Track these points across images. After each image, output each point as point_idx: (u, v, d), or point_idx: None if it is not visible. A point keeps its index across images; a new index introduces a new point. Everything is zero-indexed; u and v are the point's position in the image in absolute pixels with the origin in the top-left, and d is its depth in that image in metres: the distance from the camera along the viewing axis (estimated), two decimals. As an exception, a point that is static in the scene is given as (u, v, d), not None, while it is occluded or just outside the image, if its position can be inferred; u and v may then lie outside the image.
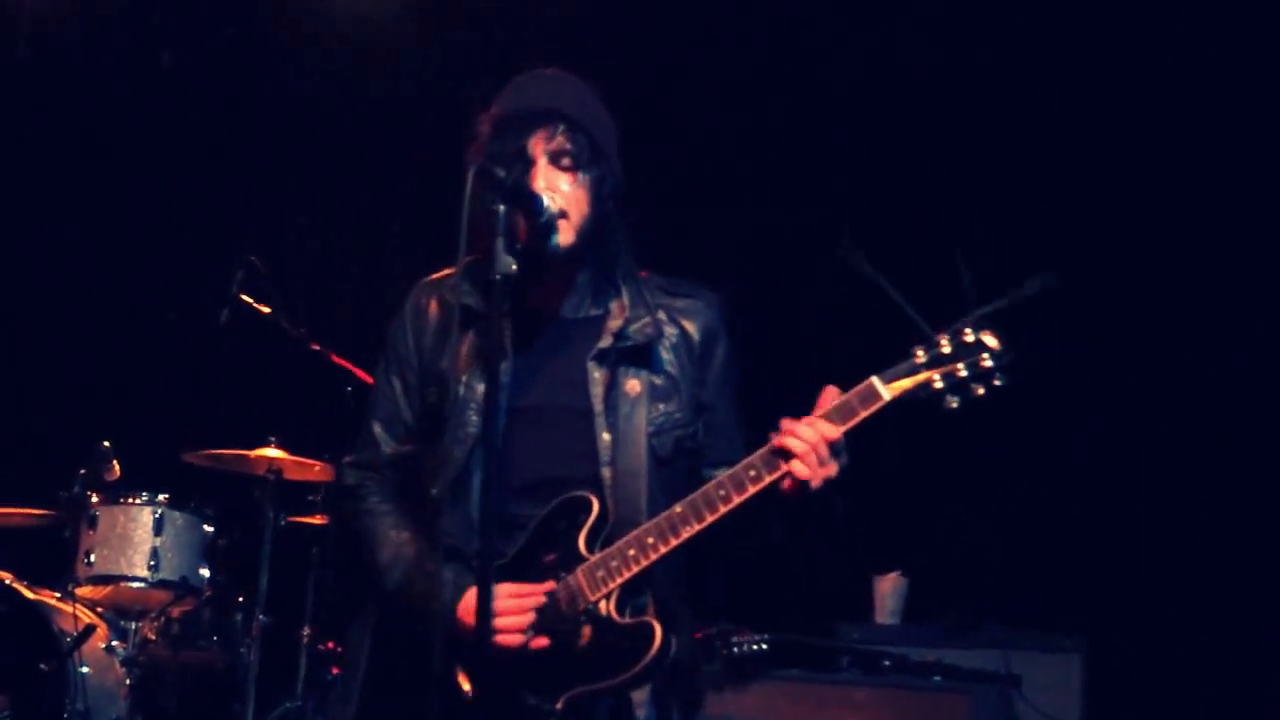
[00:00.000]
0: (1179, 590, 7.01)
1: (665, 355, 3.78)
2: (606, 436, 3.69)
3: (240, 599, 7.34)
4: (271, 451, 7.17)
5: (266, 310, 7.02)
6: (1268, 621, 6.87)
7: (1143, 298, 7.24)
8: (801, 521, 3.60)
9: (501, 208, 3.49)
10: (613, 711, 3.62)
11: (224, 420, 7.76)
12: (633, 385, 3.74)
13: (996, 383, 3.42)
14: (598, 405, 3.70)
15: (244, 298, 6.95)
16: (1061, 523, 7.27)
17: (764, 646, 6.06)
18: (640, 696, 3.63)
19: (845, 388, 3.47)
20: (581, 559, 3.58)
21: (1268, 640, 6.87)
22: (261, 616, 7.00)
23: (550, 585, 3.57)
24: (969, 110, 7.58)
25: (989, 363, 3.41)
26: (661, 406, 3.74)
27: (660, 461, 3.71)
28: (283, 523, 7.18)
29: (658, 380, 3.76)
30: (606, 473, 3.67)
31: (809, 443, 3.41)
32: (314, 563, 7.32)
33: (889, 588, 6.95)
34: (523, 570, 3.60)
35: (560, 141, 3.66)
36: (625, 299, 3.81)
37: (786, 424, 3.45)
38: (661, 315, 3.81)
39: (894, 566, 7.00)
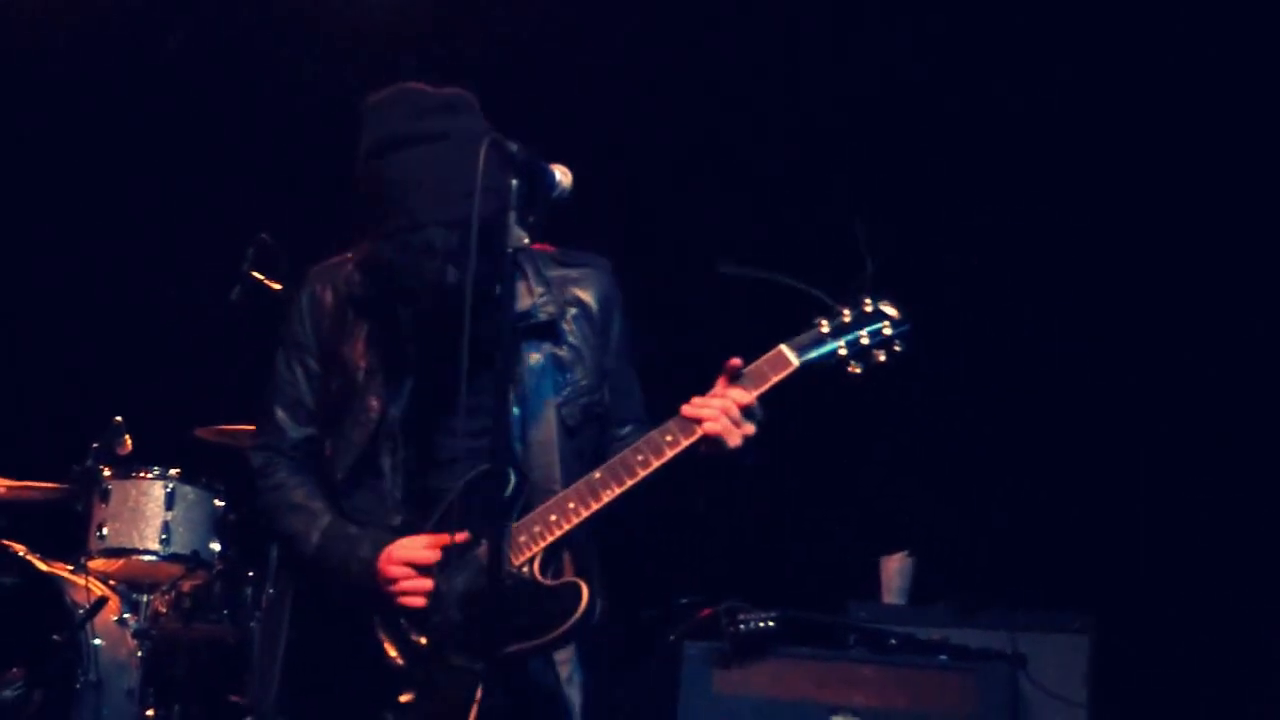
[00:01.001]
0: (1188, 571, 7.01)
1: (567, 327, 3.88)
2: (516, 410, 3.77)
3: (250, 573, 7.38)
4: (283, 427, 7.18)
5: (278, 287, 7.03)
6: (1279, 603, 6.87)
7: (1154, 275, 7.23)
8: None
9: (515, 181, 3.53)
10: (539, 673, 3.74)
11: (235, 396, 7.75)
12: (535, 358, 3.83)
13: (897, 348, 3.65)
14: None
15: (255, 274, 6.97)
16: (1069, 502, 7.27)
17: (771, 624, 6.07)
18: (565, 656, 3.78)
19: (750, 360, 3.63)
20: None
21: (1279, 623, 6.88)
22: (271, 590, 7.02)
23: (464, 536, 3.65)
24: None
25: (889, 330, 3.64)
26: (567, 376, 3.85)
27: (570, 430, 3.82)
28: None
29: (561, 352, 3.86)
30: (519, 445, 3.76)
31: (719, 406, 3.58)
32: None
33: (896, 567, 6.96)
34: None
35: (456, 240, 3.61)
36: (530, 279, 3.88)
37: (694, 401, 3.62)
38: (559, 288, 3.90)
39: (901, 547, 7.01)
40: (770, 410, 3.67)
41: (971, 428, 7.49)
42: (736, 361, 3.62)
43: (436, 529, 3.69)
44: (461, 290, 3.47)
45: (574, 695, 3.82)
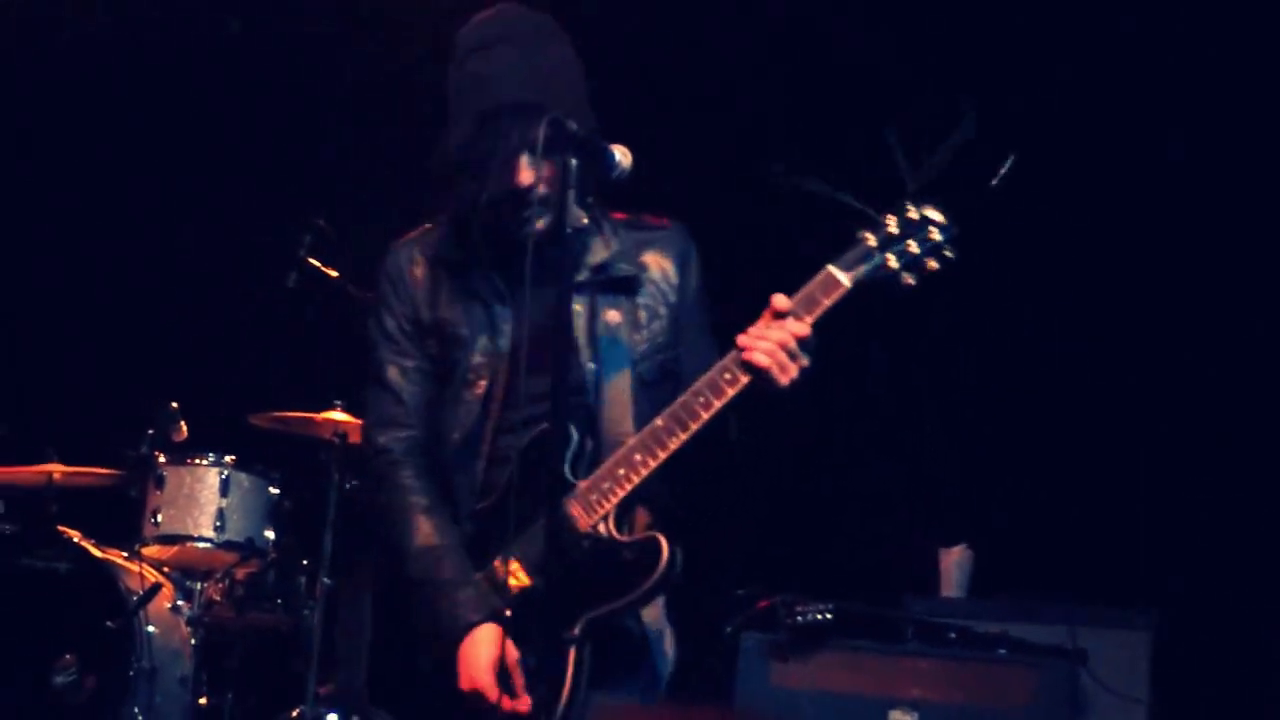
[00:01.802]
0: (1252, 566, 6.93)
1: (643, 284, 3.86)
2: (591, 365, 3.75)
3: (304, 561, 7.36)
4: (337, 415, 7.19)
5: (334, 273, 7.04)
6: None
7: (1228, 268, 7.16)
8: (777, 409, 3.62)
9: (574, 161, 3.52)
10: (630, 631, 3.70)
11: (290, 383, 7.77)
12: (612, 315, 3.81)
13: (948, 254, 3.54)
14: (581, 337, 3.75)
15: (311, 261, 6.97)
16: (1132, 496, 7.20)
17: (828, 616, 6.04)
18: (655, 612, 3.75)
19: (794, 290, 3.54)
20: (570, 487, 3.61)
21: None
22: (325, 579, 7.02)
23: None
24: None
25: (938, 236, 3.53)
26: (643, 333, 3.82)
27: (645, 385, 3.78)
28: (348, 486, 7.20)
29: (638, 308, 3.83)
30: (594, 399, 3.74)
31: (775, 341, 3.49)
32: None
33: (955, 560, 6.90)
34: (508, 512, 3.60)
35: (533, 134, 3.58)
36: (605, 237, 3.87)
37: (751, 331, 3.54)
38: (637, 249, 3.88)
39: (960, 539, 6.96)
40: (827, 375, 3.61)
41: (1034, 419, 7.42)
42: (781, 302, 3.52)
43: (499, 501, 3.66)
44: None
45: (667, 649, 3.80)
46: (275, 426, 7.40)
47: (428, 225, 3.99)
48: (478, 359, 3.78)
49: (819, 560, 7.54)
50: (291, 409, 7.27)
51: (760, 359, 3.48)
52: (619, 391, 3.75)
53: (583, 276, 3.80)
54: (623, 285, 3.84)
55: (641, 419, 3.67)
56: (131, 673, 6.86)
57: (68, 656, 6.86)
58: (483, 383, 3.76)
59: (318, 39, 8.61)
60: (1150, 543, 7.10)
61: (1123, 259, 7.29)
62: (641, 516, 3.67)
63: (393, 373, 3.88)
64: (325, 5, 8.55)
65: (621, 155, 3.60)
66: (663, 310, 3.85)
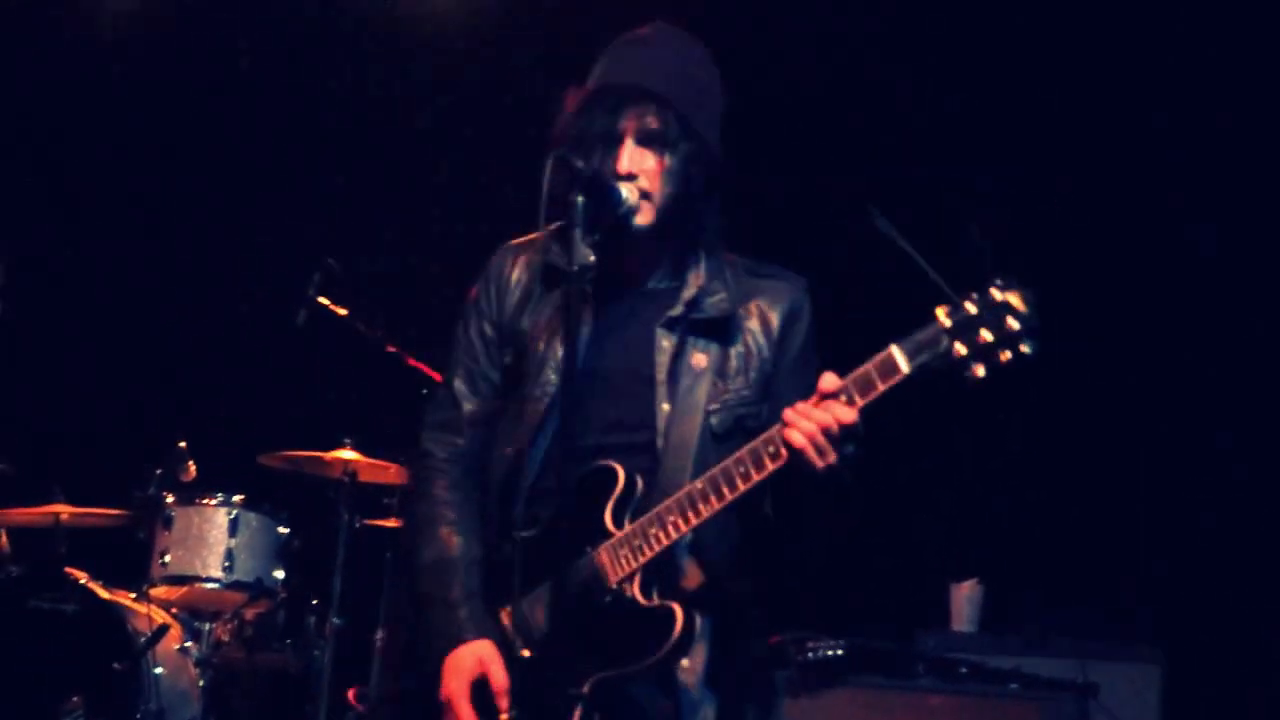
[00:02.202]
0: (1260, 602, 6.93)
1: (740, 331, 3.70)
2: (666, 406, 3.62)
3: (314, 601, 7.35)
4: (347, 454, 7.18)
5: (343, 312, 7.04)
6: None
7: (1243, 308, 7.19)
8: (814, 493, 3.43)
9: (580, 199, 3.45)
10: (647, 699, 3.53)
11: (300, 422, 7.78)
12: (699, 359, 3.66)
13: (1024, 349, 3.16)
14: (660, 374, 3.63)
15: (321, 300, 6.97)
16: (1143, 531, 7.20)
17: (840, 652, 6.03)
18: (691, 680, 3.54)
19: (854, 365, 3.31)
20: (607, 534, 3.50)
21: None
22: (335, 619, 7.01)
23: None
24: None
25: (1016, 325, 3.15)
26: (728, 383, 3.66)
27: (716, 437, 3.61)
28: (357, 525, 7.20)
29: (728, 355, 3.67)
30: (660, 442, 3.59)
31: (818, 423, 3.28)
32: (388, 566, 7.32)
33: (966, 595, 6.89)
34: (547, 544, 3.50)
35: (648, 121, 3.58)
36: (703, 272, 3.73)
37: (799, 406, 3.32)
38: (742, 293, 3.72)
39: (971, 574, 6.95)
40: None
41: (1044, 454, 7.42)
42: (829, 383, 3.31)
43: (543, 533, 3.54)
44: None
45: None
46: (284, 466, 7.40)
47: (540, 232, 3.81)
48: (548, 375, 3.66)
49: (830, 596, 7.53)
50: (301, 448, 7.28)
51: (797, 438, 3.29)
52: (686, 438, 3.58)
53: (676, 311, 3.67)
54: (716, 327, 3.68)
55: (702, 470, 3.48)
56: (139, 715, 6.81)
57: (75, 699, 6.81)
58: (546, 400, 3.65)
59: (328, 80, 8.65)
60: (1159, 577, 7.09)
61: (1124, 304, 7.32)
62: (677, 578, 3.53)
63: (460, 379, 3.81)
64: (340, 47, 8.61)
65: (629, 193, 3.57)
66: (754, 363, 3.68)
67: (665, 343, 3.65)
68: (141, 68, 8.74)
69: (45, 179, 8.82)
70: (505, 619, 3.60)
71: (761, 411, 3.66)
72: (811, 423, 3.29)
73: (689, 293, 3.70)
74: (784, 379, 3.68)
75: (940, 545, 7.53)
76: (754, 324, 3.71)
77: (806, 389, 3.41)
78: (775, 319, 3.72)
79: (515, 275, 3.82)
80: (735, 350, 3.68)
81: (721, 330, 3.69)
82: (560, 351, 3.54)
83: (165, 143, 8.78)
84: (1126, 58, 7.38)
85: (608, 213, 3.55)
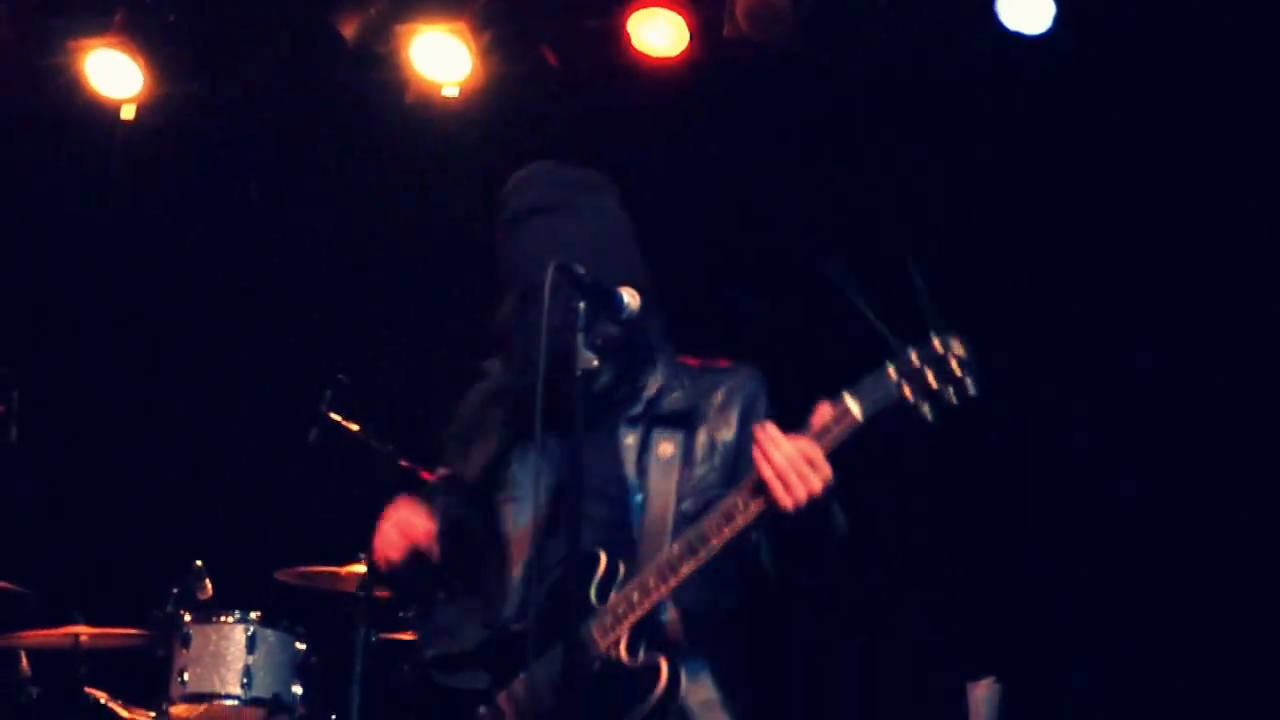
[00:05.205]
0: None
1: (701, 421, 3.89)
2: (638, 498, 3.81)
3: (333, 716, 7.33)
4: (363, 568, 7.20)
5: (355, 428, 7.08)
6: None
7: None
8: (800, 544, 3.66)
9: (582, 305, 3.58)
10: None
11: (315, 538, 7.80)
12: (665, 449, 3.86)
13: (969, 389, 3.46)
14: (630, 470, 3.84)
15: (333, 416, 7.02)
16: (1157, 632, 7.16)
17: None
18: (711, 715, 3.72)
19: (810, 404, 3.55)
20: (592, 610, 3.67)
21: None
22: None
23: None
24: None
25: (958, 370, 3.45)
26: (694, 469, 3.86)
27: (688, 519, 3.77)
28: (374, 639, 7.19)
29: (694, 444, 3.87)
30: (636, 531, 3.79)
31: (780, 465, 3.48)
32: (405, 679, 7.30)
33: (983, 695, 6.87)
34: (539, 628, 3.66)
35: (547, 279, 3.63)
36: (660, 374, 3.93)
37: (760, 442, 3.52)
38: (699, 389, 3.93)
39: (988, 673, 6.92)
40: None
41: (1060, 549, 7.41)
42: (827, 406, 3.56)
43: (537, 620, 3.70)
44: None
45: None
46: (300, 582, 7.43)
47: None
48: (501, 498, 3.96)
49: (836, 695, 7.51)
50: (316, 564, 7.30)
51: (765, 470, 3.49)
52: (659, 523, 3.78)
53: (638, 410, 3.88)
54: (679, 419, 3.87)
55: None
56: (161, 833, 6.83)
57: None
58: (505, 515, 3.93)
59: (339, 194, 8.73)
60: (1178, 675, 7.05)
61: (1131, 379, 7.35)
62: (662, 637, 3.70)
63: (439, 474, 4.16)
64: (351, 160, 8.68)
65: (630, 298, 3.68)
66: (719, 449, 3.87)
67: (630, 439, 3.87)
68: (149, 187, 8.82)
69: (54, 301, 8.90)
70: (505, 704, 3.77)
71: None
72: (779, 453, 3.48)
73: (649, 392, 3.90)
74: (749, 456, 3.79)
75: (957, 643, 7.49)
76: (714, 414, 3.91)
77: None
78: (736, 407, 3.92)
79: (471, 399, 4.17)
80: (700, 439, 3.88)
81: (684, 421, 3.89)
82: (509, 474, 3.94)
83: (175, 261, 8.85)
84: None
85: (609, 317, 3.68)
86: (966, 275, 7.23)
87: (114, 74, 8.30)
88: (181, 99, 8.51)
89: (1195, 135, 7.28)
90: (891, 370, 3.50)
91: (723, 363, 4.03)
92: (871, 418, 3.51)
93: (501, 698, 3.77)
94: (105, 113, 8.50)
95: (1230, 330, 7.19)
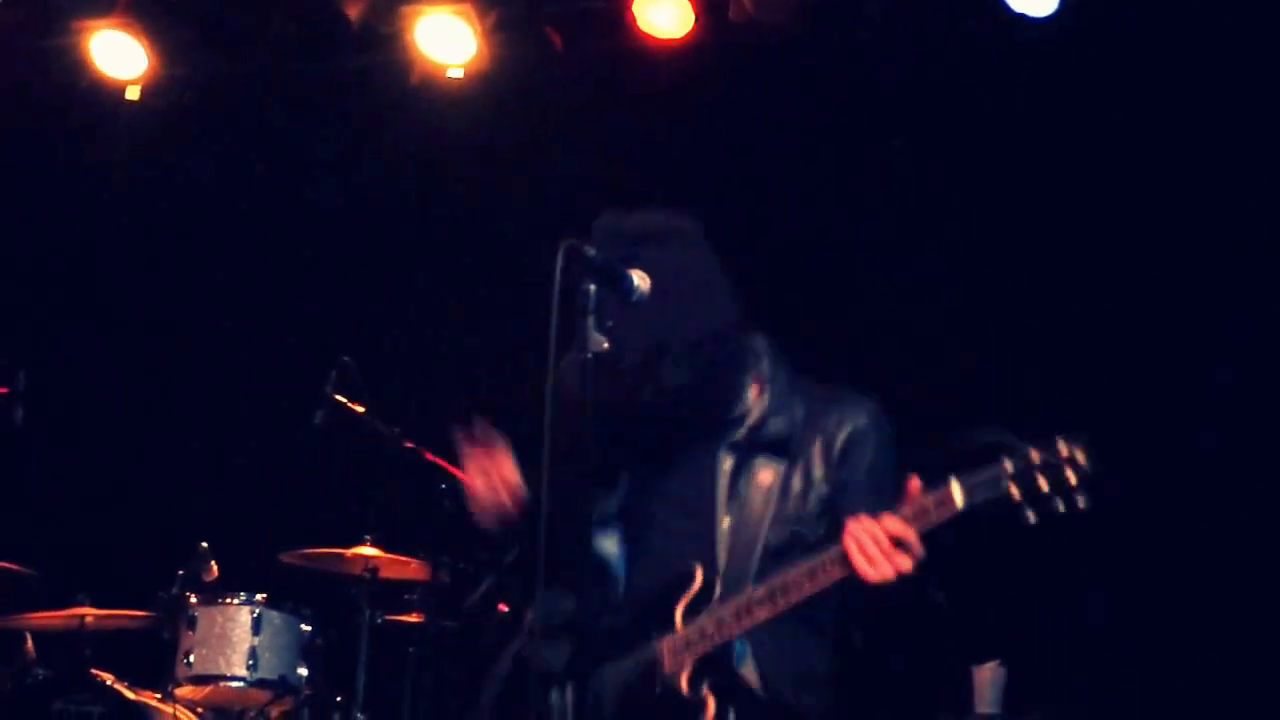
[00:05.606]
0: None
1: (802, 452, 3.84)
2: (727, 522, 3.78)
3: (338, 698, 7.35)
4: (367, 550, 7.22)
5: (360, 410, 7.07)
6: None
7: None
8: (889, 613, 3.66)
9: (591, 286, 3.55)
10: None
11: (320, 520, 7.81)
12: (765, 476, 3.82)
13: (1079, 501, 3.34)
14: (720, 494, 3.80)
15: (338, 398, 7.01)
16: (1163, 609, 7.17)
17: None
18: None
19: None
20: (672, 629, 3.67)
21: None
22: (359, 715, 7.01)
23: None
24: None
25: (1073, 479, 3.34)
26: (788, 502, 3.81)
27: (771, 551, 3.76)
28: (380, 621, 7.21)
29: (794, 474, 3.82)
30: (722, 556, 3.75)
31: (864, 542, 3.43)
32: (411, 662, 7.32)
33: (988, 677, 6.87)
34: (625, 631, 3.70)
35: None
36: (765, 397, 3.88)
37: (851, 524, 3.49)
38: (807, 414, 3.87)
39: (993, 656, 6.92)
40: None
41: (1063, 530, 7.39)
42: (916, 481, 3.49)
43: (626, 621, 3.74)
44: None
45: None
46: (306, 563, 7.44)
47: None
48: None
49: (845, 679, 7.50)
50: (321, 545, 7.31)
51: (848, 543, 3.44)
52: (746, 549, 3.75)
53: (739, 435, 3.84)
54: (781, 446, 3.82)
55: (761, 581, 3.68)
56: (166, 814, 6.85)
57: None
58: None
59: (345, 176, 8.71)
60: (1180, 656, 7.05)
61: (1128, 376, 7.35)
62: (747, 678, 3.69)
63: None
64: (357, 142, 8.68)
65: (640, 280, 3.65)
66: (816, 483, 3.82)
67: (727, 463, 3.83)
68: (156, 171, 8.82)
69: (59, 282, 8.91)
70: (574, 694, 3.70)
71: (820, 528, 3.80)
72: (863, 528, 3.42)
73: (752, 418, 3.85)
74: (852, 497, 3.80)
75: (961, 627, 7.49)
76: (818, 446, 3.84)
77: (877, 505, 3.56)
78: (840, 438, 3.85)
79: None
80: (798, 470, 3.82)
81: (786, 449, 3.83)
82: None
83: (182, 243, 8.87)
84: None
85: (622, 299, 3.65)
86: (967, 275, 7.25)
87: (119, 55, 8.28)
88: (186, 80, 8.50)
89: (1203, 118, 7.25)
90: (1007, 464, 3.39)
91: (838, 389, 3.95)
92: (972, 509, 3.44)
93: (573, 687, 3.68)
94: (110, 94, 8.48)
95: (1229, 322, 7.17)
